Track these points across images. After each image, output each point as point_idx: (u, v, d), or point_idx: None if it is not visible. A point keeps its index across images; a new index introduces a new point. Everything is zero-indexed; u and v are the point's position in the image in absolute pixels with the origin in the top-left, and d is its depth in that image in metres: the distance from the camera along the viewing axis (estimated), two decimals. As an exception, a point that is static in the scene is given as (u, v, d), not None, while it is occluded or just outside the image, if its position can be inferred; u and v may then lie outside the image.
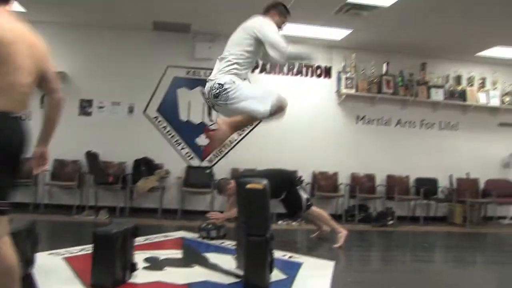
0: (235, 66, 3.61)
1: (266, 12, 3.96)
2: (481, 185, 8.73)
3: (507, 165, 8.93)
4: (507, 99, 8.86)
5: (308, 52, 4.19)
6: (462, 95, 8.69)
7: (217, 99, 3.59)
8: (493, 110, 8.90)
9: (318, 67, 8.36)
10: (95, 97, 7.73)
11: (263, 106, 3.56)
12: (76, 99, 7.61)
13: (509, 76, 8.99)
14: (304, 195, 5.74)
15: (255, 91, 3.73)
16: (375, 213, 7.98)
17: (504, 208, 8.73)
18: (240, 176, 5.82)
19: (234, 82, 3.56)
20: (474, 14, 6.37)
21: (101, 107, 7.75)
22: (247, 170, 7.49)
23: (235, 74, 3.62)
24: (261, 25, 3.70)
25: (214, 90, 3.57)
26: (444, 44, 7.93)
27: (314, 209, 5.82)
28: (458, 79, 8.78)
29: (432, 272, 4.92)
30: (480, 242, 7.25)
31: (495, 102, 8.79)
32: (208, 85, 3.67)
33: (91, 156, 7.33)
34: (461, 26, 6.91)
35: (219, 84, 3.56)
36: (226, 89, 3.53)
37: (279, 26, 3.91)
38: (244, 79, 3.73)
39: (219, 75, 3.61)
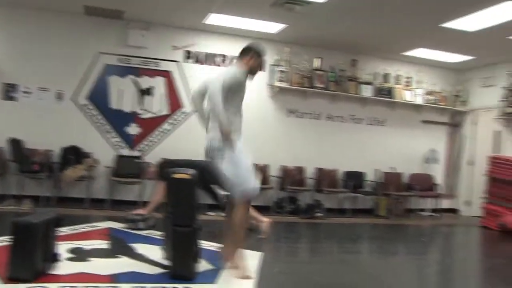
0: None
1: (240, 56, 4.12)
2: (406, 179, 9.16)
3: (427, 161, 9.40)
4: (430, 97, 9.31)
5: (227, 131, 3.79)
6: (390, 92, 9.03)
7: (213, 155, 3.83)
8: (417, 107, 9.32)
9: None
10: (21, 81, 7.34)
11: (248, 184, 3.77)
12: (-2, 82, 7.24)
13: (432, 76, 9.47)
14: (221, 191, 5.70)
15: (245, 164, 3.85)
16: (304, 205, 8.14)
17: (424, 201, 9.19)
18: (163, 163, 5.80)
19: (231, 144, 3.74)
20: (400, 16, 6.62)
21: (27, 92, 7.40)
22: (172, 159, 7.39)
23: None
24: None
25: (212, 151, 3.83)
26: (374, 43, 8.21)
27: None
28: (386, 77, 9.12)
29: (358, 263, 5.12)
30: (402, 233, 7.61)
31: (419, 100, 9.22)
32: (208, 139, 3.91)
33: (15, 143, 7.01)
34: (389, 26, 7.17)
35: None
36: (222, 149, 3.76)
37: (256, 68, 4.19)
38: (239, 124, 4.01)
39: (217, 132, 3.77)
